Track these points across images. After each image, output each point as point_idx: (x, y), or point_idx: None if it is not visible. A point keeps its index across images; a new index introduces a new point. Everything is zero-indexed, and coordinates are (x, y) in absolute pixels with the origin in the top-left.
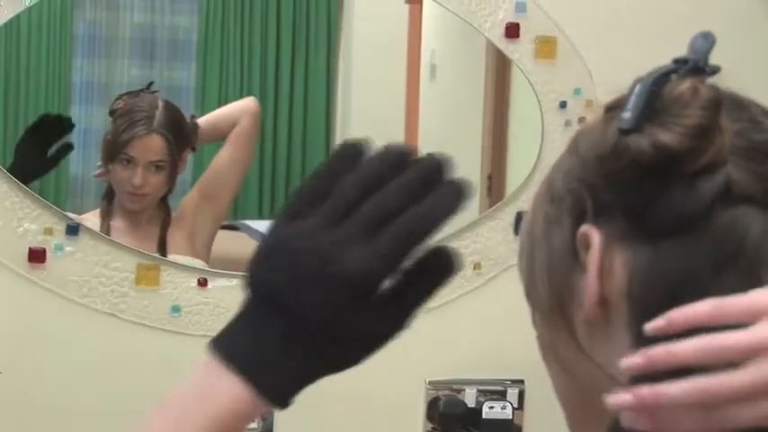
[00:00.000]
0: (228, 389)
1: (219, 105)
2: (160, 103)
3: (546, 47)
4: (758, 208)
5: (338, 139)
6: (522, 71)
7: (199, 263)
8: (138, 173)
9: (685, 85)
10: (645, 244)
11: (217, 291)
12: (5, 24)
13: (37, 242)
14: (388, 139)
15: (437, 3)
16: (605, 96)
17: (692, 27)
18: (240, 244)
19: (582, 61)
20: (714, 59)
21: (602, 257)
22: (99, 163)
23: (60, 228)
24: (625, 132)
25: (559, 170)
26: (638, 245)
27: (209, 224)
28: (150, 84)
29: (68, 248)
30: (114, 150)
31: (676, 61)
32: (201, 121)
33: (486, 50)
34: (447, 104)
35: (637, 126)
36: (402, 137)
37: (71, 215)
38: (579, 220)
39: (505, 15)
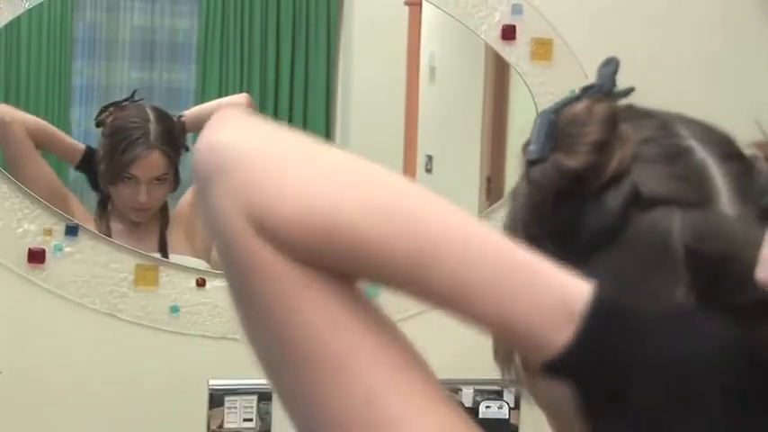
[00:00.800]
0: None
1: None
2: (150, 114)
3: (542, 49)
4: (676, 207)
5: (338, 141)
6: (518, 73)
7: (199, 262)
8: (142, 190)
9: (580, 106)
10: (577, 265)
11: (215, 291)
12: (5, 26)
13: (36, 243)
14: (387, 140)
15: (433, 5)
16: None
17: (689, 28)
18: None
19: (578, 63)
20: (711, 59)
21: None
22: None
23: (60, 228)
24: (532, 164)
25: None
26: (571, 267)
27: None
28: (134, 92)
29: (68, 249)
30: (116, 172)
31: (583, 89)
32: (189, 113)
33: (485, 52)
34: (446, 106)
35: (541, 156)
36: (402, 139)
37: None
38: None
39: (502, 17)
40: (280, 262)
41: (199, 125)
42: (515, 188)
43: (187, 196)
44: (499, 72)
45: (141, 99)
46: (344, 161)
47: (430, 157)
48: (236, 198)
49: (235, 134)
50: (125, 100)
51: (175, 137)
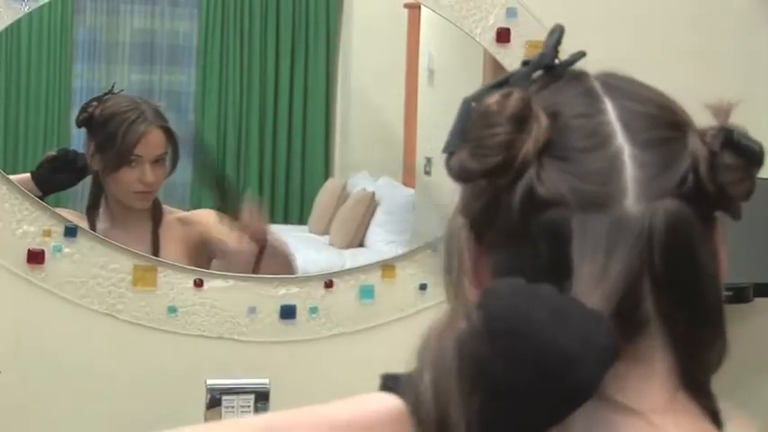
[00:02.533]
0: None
1: (219, 109)
2: (137, 99)
3: (536, 51)
4: (573, 209)
5: (338, 143)
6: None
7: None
8: (147, 170)
9: (492, 101)
10: (484, 256)
11: (213, 291)
12: (6, 30)
13: (36, 244)
14: (387, 142)
15: (429, 8)
16: None
17: (685, 29)
18: None
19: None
20: (709, 58)
21: (473, 254)
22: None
23: (58, 229)
24: (447, 155)
25: None
26: (494, 252)
27: (210, 255)
28: (113, 85)
29: (67, 250)
30: (121, 156)
31: (523, 63)
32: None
33: (483, 55)
34: (445, 108)
35: (452, 149)
36: (401, 141)
37: (65, 213)
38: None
39: (496, 21)
40: None
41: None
42: None
43: (208, 213)
44: (497, 74)
45: (122, 90)
46: None
47: (429, 160)
48: None
49: None
50: (105, 94)
51: (166, 117)
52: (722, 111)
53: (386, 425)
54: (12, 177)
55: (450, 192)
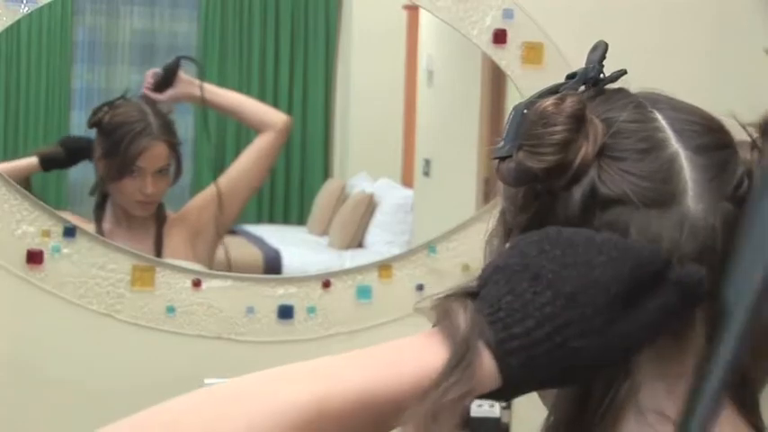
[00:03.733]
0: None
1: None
2: (147, 109)
3: (533, 53)
4: (633, 207)
5: (337, 144)
6: (509, 77)
7: (196, 266)
8: (148, 182)
9: (548, 102)
10: None
11: (211, 291)
12: (6, 30)
13: (35, 244)
14: (386, 144)
15: (426, 10)
16: None
17: (681, 31)
18: (236, 247)
19: (568, 66)
20: (705, 59)
21: None
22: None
23: (57, 230)
24: (499, 160)
25: None
26: None
27: (213, 229)
28: (126, 91)
29: (65, 250)
30: (124, 166)
31: (568, 76)
32: (234, 95)
33: (482, 56)
34: (444, 109)
35: (507, 153)
36: (400, 141)
37: (67, 215)
38: (500, 236)
39: (493, 22)
40: None
41: (232, 115)
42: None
43: (197, 199)
44: (496, 75)
45: (133, 96)
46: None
47: (428, 161)
48: None
49: None
50: (117, 99)
51: (174, 128)
52: (764, 122)
53: None
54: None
55: (449, 192)
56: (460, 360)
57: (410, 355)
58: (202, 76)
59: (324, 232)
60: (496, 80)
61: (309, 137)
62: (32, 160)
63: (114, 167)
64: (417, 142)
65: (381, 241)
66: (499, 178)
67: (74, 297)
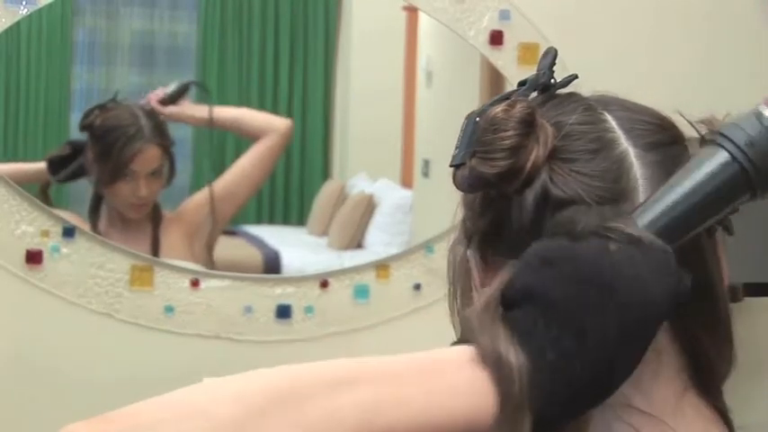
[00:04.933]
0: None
1: None
2: (138, 111)
3: (528, 53)
4: (586, 206)
5: (337, 145)
6: (506, 78)
7: (194, 265)
8: (141, 184)
9: (498, 109)
10: (499, 263)
11: (209, 291)
12: (6, 31)
13: (34, 244)
14: (386, 144)
15: (424, 12)
16: None
17: (676, 31)
18: (235, 248)
19: (564, 67)
20: (700, 60)
21: (481, 276)
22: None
23: (56, 230)
24: (455, 167)
25: None
26: (502, 266)
27: (209, 229)
28: (117, 93)
29: (64, 250)
30: (116, 170)
31: (520, 84)
32: (232, 110)
33: (481, 57)
34: (443, 110)
35: (461, 160)
36: (400, 142)
37: (65, 215)
38: (463, 244)
39: (489, 23)
40: None
41: (232, 128)
42: None
43: (194, 198)
44: (494, 76)
45: (125, 99)
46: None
47: (427, 162)
48: None
49: None
50: (108, 101)
51: (166, 130)
52: (714, 122)
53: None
54: (16, 166)
55: (448, 193)
56: (510, 421)
57: (463, 399)
58: (209, 100)
59: (323, 233)
60: (495, 81)
61: (309, 138)
62: (40, 165)
63: (107, 171)
64: (416, 143)
65: (381, 242)
66: (455, 186)
67: (73, 297)
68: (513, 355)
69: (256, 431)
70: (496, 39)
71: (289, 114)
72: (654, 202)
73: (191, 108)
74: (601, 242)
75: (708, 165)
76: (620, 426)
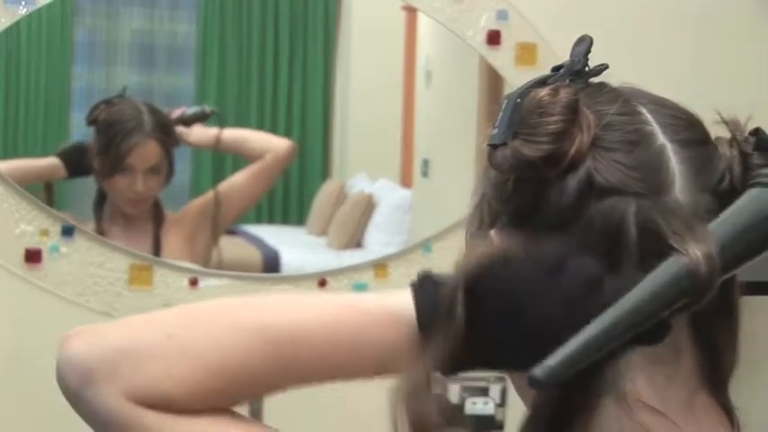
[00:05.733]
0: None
1: (218, 111)
2: (142, 107)
3: (526, 53)
4: (630, 196)
5: (336, 145)
6: (504, 77)
7: (193, 265)
8: (138, 179)
9: (544, 92)
10: (526, 243)
11: (208, 290)
12: (6, 31)
13: (33, 243)
14: (385, 144)
15: (422, 12)
16: None
17: (673, 32)
18: (235, 247)
19: None
20: (697, 60)
21: None
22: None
23: (56, 229)
24: (493, 147)
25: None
26: (527, 244)
27: (209, 232)
28: (124, 89)
29: (64, 249)
30: (113, 163)
31: (553, 69)
32: (232, 133)
33: (480, 57)
34: (442, 109)
35: (502, 140)
36: (399, 141)
37: (65, 216)
38: (483, 225)
39: (487, 23)
40: (162, 418)
41: (232, 149)
42: (485, 167)
43: (197, 201)
44: (493, 76)
45: (130, 96)
46: (179, 318)
47: (426, 161)
48: (114, 391)
49: (88, 346)
50: (117, 96)
51: (168, 127)
52: (737, 122)
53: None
54: (31, 161)
55: (448, 192)
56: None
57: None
58: (221, 124)
59: (323, 233)
60: (494, 81)
61: (308, 137)
62: (53, 161)
63: (106, 164)
64: (416, 143)
65: (380, 242)
66: (492, 166)
67: (72, 296)
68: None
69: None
70: (494, 39)
71: (288, 113)
72: (723, 228)
73: (197, 131)
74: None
75: (763, 205)
76: (631, 424)
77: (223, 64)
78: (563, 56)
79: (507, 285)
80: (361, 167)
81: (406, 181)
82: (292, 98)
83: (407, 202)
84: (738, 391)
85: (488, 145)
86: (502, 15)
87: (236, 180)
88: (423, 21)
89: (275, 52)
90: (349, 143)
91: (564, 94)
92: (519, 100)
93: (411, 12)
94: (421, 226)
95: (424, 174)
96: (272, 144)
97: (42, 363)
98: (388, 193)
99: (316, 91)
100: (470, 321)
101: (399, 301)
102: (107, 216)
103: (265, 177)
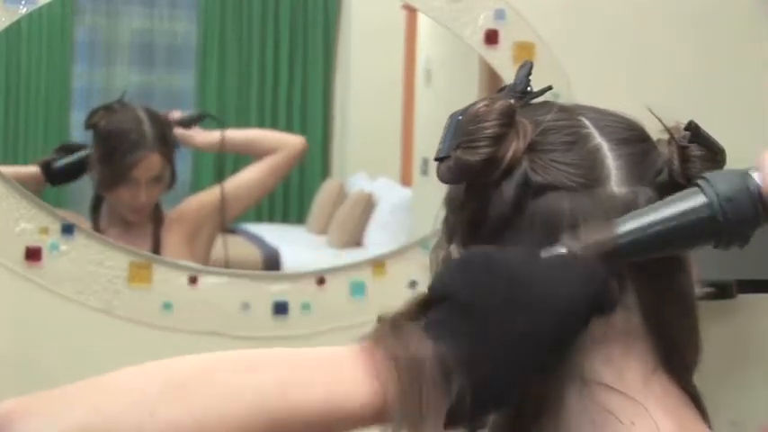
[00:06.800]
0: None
1: (218, 110)
2: (143, 116)
3: (524, 52)
4: (566, 191)
5: (336, 144)
6: (501, 77)
7: (192, 263)
8: (141, 191)
9: (480, 105)
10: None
11: (207, 288)
12: (6, 30)
13: (33, 241)
14: (385, 143)
15: (420, 11)
16: (584, 101)
17: (670, 31)
18: (235, 246)
19: (559, 66)
20: (695, 60)
21: None
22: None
23: (55, 227)
24: (439, 161)
25: None
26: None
27: (210, 230)
28: (123, 93)
29: (63, 247)
30: (118, 176)
31: (498, 90)
32: (240, 133)
33: (479, 56)
34: (442, 108)
35: (445, 154)
36: (399, 140)
37: (63, 212)
38: (446, 240)
39: (485, 22)
40: None
41: (243, 149)
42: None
43: (197, 198)
44: (493, 75)
45: (130, 100)
46: (159, 386)
47: (426, 160)
48: None
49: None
50: (117, 102)
51: (169, 137)
52: (678, 128)
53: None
54: (13, 169)
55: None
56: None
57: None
58: (221, 126)
59: (323, 231)
60: (493, 80)
61: (309, 137)
62: (32, 169)
63: (108, 176)
64: (416, 142)
65: (380, 240)
66: (439, 178)
67: (72, 293)
68: (416, 348)
69: (171, 402)
70: (492, 38)
71: (288, 113)
72: (632, 218)
73: (201, 134)
74: (524, 251)
75: (686, 203)
76: (594, 408)
77: (223, 63)
78: (560, 55)
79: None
80: (361, 166)
81: (405, 180)
82: (292, 97)
83: (407, 200)
84: (734, 387)
85: (435, 160)
86: (500, 15)
87: (245, 177)
88: (423, 20)
89: (275, 51)
90: (349, 142)
91: (499, 104)
92: (460, 117)
93: (411, 11)
94: (421, 224)
95: (424, 173)
96: (286, 141)
97: (42, 360)
98: (388, 192)
99: (316, 90)
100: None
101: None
102: (104, 218)
103: (279, 172)
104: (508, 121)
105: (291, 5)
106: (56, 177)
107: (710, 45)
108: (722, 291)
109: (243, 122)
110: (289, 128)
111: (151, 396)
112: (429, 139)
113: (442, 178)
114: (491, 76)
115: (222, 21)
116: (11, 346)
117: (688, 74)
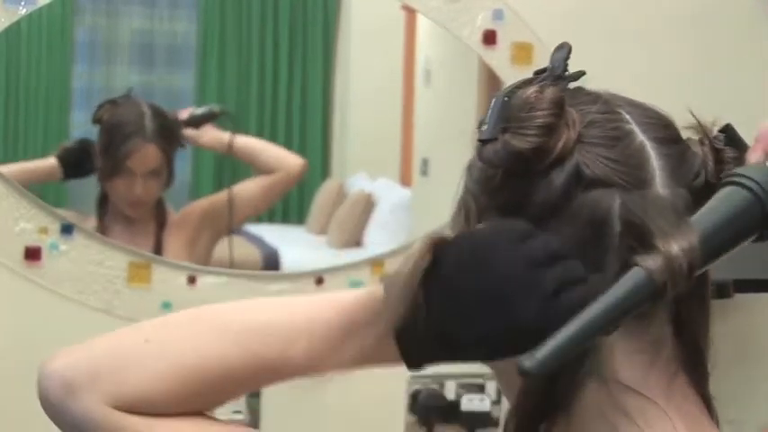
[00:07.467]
0: None
1: None
2: (146, 110)
3: (522, 53)
4: (615, 189)
5: (336, 144)
6: (499, 77)
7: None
8: (137, 183)
9: (531, 90)
10: None
11: (206, 288)
12: (6, 31)
13: (33, 241)
14: (385, 143)
15: (419, 11)
16: None
17: (671, 31)
18: (236, 247)
19: None
20: (693, 60)
21: None
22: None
23: (55, 227)
24: (483, 143)
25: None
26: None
27: (211, 235)
28: (130, 90)
29: (63, 247)
30: (113, 167)
31: (536, 73)
32: (246, 141)
33: (479, 56)
34: (442, 109)
35: (492, 135)
36: (398, 140)
37: (63, 212)
38: (470, 222)
39: (483, 22)
40: (142, 421)
41: (245, 158)
42: (470, 162)
43: (200, 204)
44: (492, 75)
45: (138, 96)
46: (156, 325)
47: (426, 160)
48: (95, 399)
49: (67, 360)
50: (122, 97)
51: (171, 131)
52: (705, 124)
53: None
54: (30, 164)
55: (447, 191)
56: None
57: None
58: (233, 127)
59: (323, 231)
60: (493, 80)
61: (308, 136)
62: (51, 163)
63: (107, 166)
64: (415, 142)
65: (380, 240)
66: (483, 160)
67: (71, 293)
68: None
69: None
70: (490, 38)
71: (288, 113)
72: (698, 224)
73: (210, 134)
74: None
75: (736, 202)
76: (611, 408)
77: (223, 63)
78: None
79: (471, 247)
80: (361, 166)
81: (405, 180)
82: (292, 97)
83: (407, 201)
84: (732, 386)
85: (478, 140)
86: (498, 15)
87: (247, 188)
88: (422, 21)
89: (275, 51)
90: (348, 142)
91: (550, 92)
92: (506, 98)
93: (410, 12)
94: (421, 225)
95: (424, 173)
96: (285, 161)
97: (41, 359)
98: (388, 192)
99: (315, 90)
100: (432, 288)
101: (371, 290)
102: (110, 214)
103: (274, 193)
104: (559, 111)
105: (291, 5)
106: (72, 170)
107: (710, 45)
108: (719, 290)
109: (243, 122)
110: (288, 128)
111: (147, 329)
112: (429, 140)
113: (487, 160)
114: (491, 76)
115: (222, 21)
116: (10, 346)
117: (688, 74)
